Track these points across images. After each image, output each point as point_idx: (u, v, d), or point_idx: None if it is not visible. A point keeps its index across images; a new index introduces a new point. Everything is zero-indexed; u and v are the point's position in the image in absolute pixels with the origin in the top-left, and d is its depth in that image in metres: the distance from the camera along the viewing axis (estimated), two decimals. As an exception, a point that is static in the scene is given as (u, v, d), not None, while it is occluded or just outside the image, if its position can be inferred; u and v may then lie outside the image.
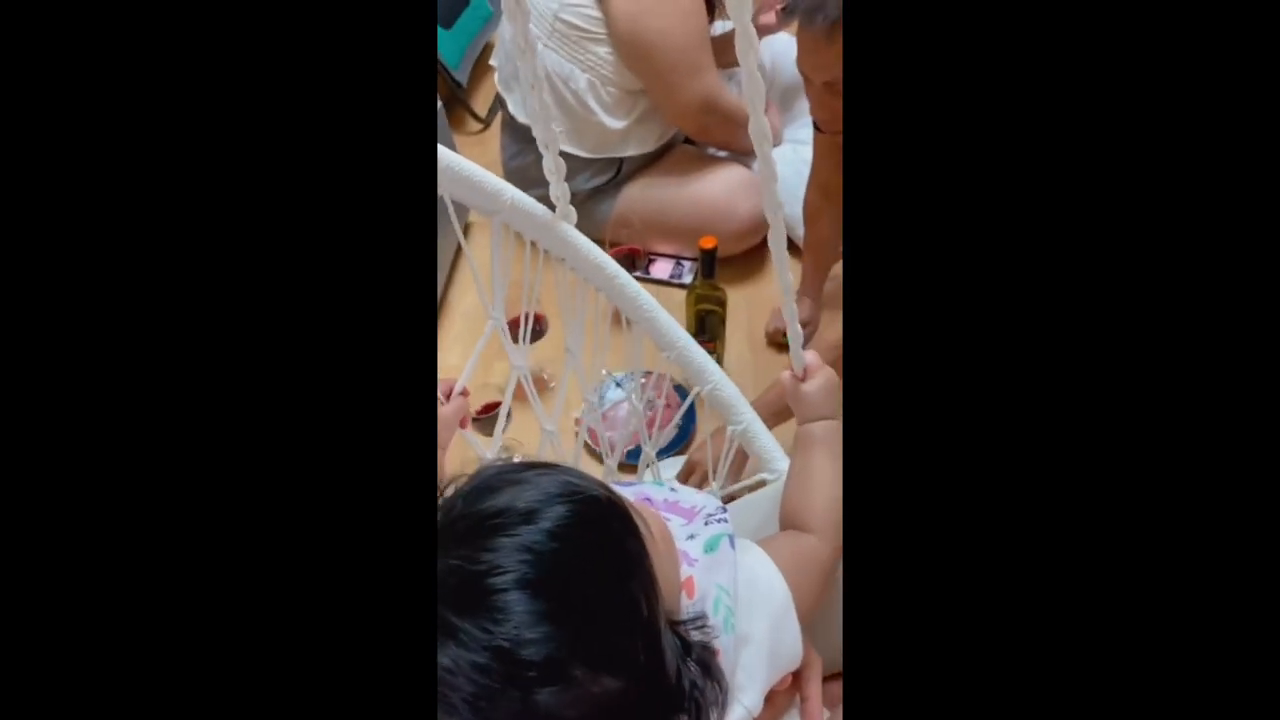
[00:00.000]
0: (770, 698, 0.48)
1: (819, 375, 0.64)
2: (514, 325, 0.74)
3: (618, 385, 1.38)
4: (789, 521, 0.59)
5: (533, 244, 0.72)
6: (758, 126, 0.52)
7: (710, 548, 0.47)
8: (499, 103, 1.66)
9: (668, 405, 1.30)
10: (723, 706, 0.42)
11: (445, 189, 0.64)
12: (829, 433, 0.63)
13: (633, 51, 1.45)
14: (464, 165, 0.65)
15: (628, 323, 0.80)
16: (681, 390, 1.35)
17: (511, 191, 0.68)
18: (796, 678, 0.50)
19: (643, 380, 1.34)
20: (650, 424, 1.17)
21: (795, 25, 1.68)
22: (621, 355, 1.18)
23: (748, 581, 0.46)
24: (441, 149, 0.64)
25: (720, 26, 1.57)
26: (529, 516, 0.36)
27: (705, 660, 0.41)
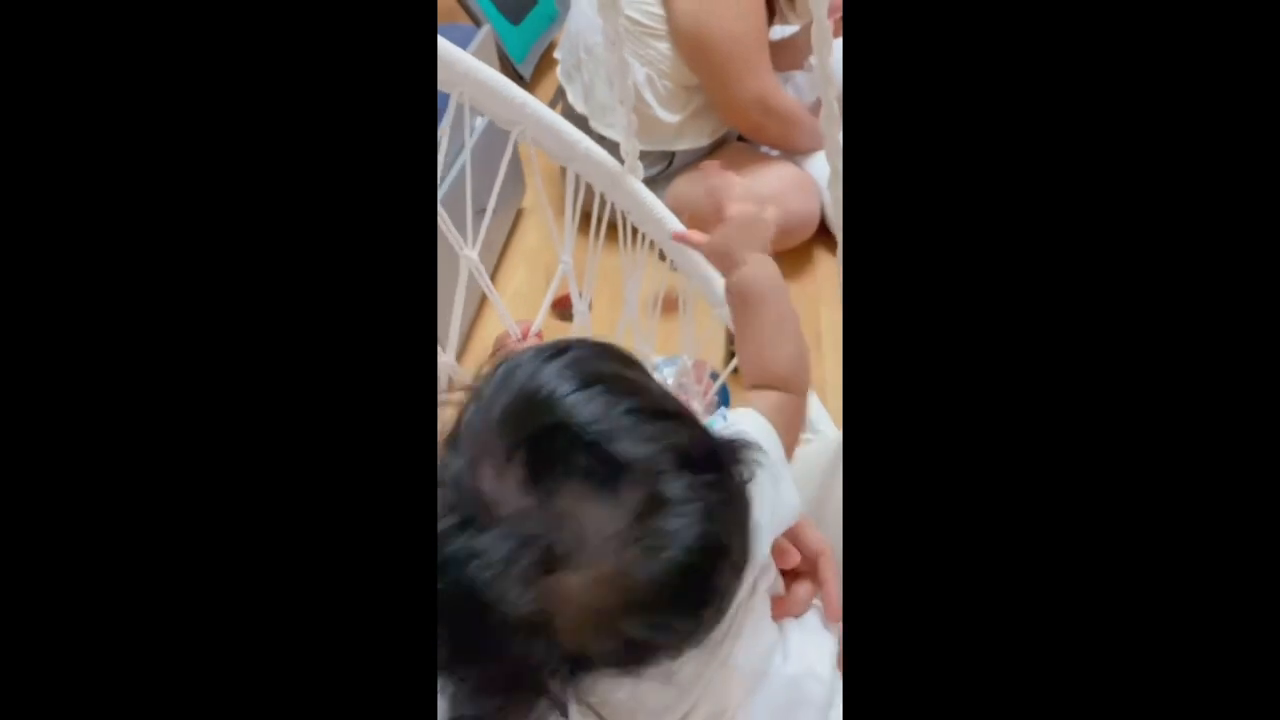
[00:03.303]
0: (785, 574, 0.48)
1: (729, 219, 0.63)
2: (561, 303, 0.80)
3: (659, 369, 1.43)
4: (755, 382, 0.58)
5: (586, 217, 0.78)
6: (820, 30, 0.57)
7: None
8: (560, 95, 1.73)
9: (705, 393, 1.34)
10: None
11: (528, 134, 0.70)
12: (759, 280, 0.59)
13: (692, 48, 1.51)
14: (545, 113, 0.71)
15: (683, 304, 0.85)
16: (715, 375, 1.39)
17: (586, 142, 0.74)
18: (812, 564, 0.50)
19: (689, 365, 1.39)
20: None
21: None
22: (671, 342, 1.24)
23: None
24: (528, 96, 0.69)
25: (778, 31, 1.62)
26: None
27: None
